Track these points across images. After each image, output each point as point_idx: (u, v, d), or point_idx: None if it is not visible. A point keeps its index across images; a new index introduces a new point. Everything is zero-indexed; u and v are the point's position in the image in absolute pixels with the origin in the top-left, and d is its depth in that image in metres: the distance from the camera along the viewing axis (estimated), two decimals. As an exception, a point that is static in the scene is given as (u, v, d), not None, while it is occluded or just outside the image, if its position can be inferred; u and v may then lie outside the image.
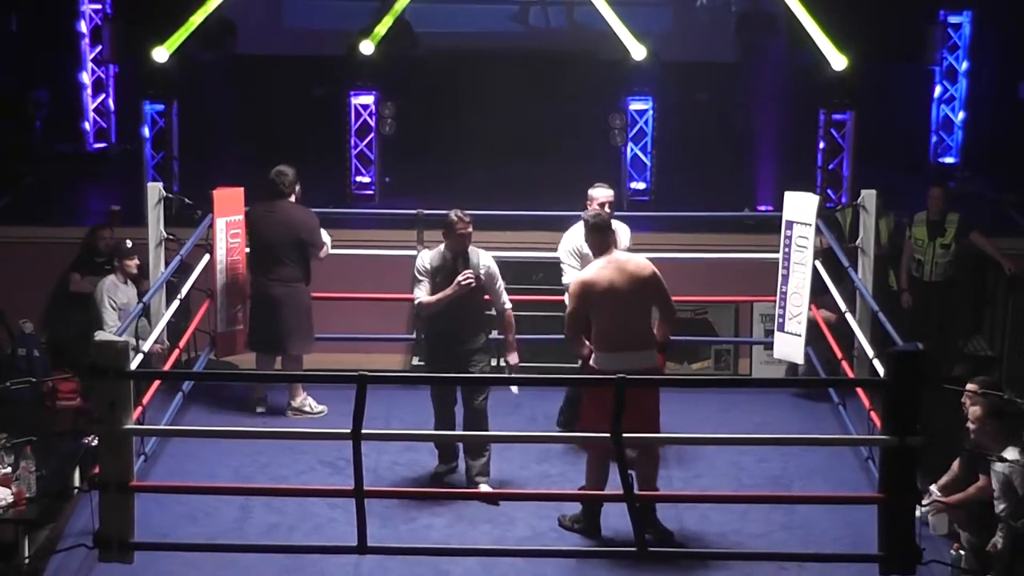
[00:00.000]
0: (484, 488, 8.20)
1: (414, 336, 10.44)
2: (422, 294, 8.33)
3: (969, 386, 7.86)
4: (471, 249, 8.36)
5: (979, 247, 11.41)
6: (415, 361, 11.36)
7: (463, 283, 8.19)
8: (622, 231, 8.74)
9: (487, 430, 8.38)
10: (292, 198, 9.48)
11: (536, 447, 8.83)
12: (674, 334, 8.14)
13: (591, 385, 7.72)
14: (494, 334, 8.73)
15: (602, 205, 8.57)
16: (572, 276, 8.24)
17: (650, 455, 7.81)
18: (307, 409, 9.51)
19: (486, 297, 8.44)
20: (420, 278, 8.36)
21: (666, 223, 11.63)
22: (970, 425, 7.46)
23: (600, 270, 7.70)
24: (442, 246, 8.39)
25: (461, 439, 8.54)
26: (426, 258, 8.40)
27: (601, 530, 7.85)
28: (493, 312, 8.63)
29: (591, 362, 7.75)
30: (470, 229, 8.30)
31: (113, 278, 10.16)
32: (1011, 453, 7.23)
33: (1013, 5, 14.55)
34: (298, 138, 13.60)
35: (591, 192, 8.77)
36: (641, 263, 7.77)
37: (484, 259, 8.39)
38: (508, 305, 8.48)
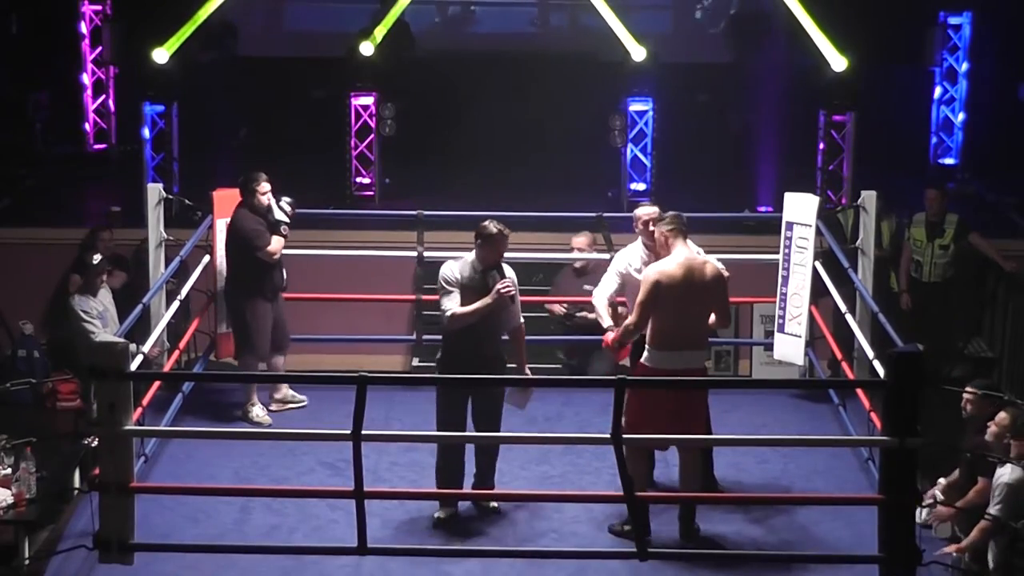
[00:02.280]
0: (493, 506, 8.07)
1: (414, 337, 10.43)
2: (453, 305, 7.76)
3: (968, 389, 7.86)
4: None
5: (978, 248, 11.40)
6: (415, 362, 11.37)
7: (503, 292, 7.69)
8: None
9: (495, 464, 8.03)
10: (255, 203, 9.26)
11: (536, 448, 8.83)
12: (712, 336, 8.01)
13: (636, 386, 7.56)
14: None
15: (646, 223, 8.10)
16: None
17: (692, 456, 7.80)
18: (252, 416, 9.42)
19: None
20: (450, 288, 7.78)
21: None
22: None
23: (676, 267, 7.67)
24: (468, 257, 7.86)
25: (468, 439, 8.11)
26: (455, 268, 7.81)
27: (651, 530, 7.62)
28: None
29: (642, 359, 7.71)
30: (507, 242, 7.81)
31: (77, 297, 10.03)
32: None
33: (1013, 6, 14.55)
34: (298, 139, 13.58)
35: (636, 212, 8.32)
36: (712, 265, 7.78)
37: (511, 274, 7.89)
38: (522, 321, 8.07)
